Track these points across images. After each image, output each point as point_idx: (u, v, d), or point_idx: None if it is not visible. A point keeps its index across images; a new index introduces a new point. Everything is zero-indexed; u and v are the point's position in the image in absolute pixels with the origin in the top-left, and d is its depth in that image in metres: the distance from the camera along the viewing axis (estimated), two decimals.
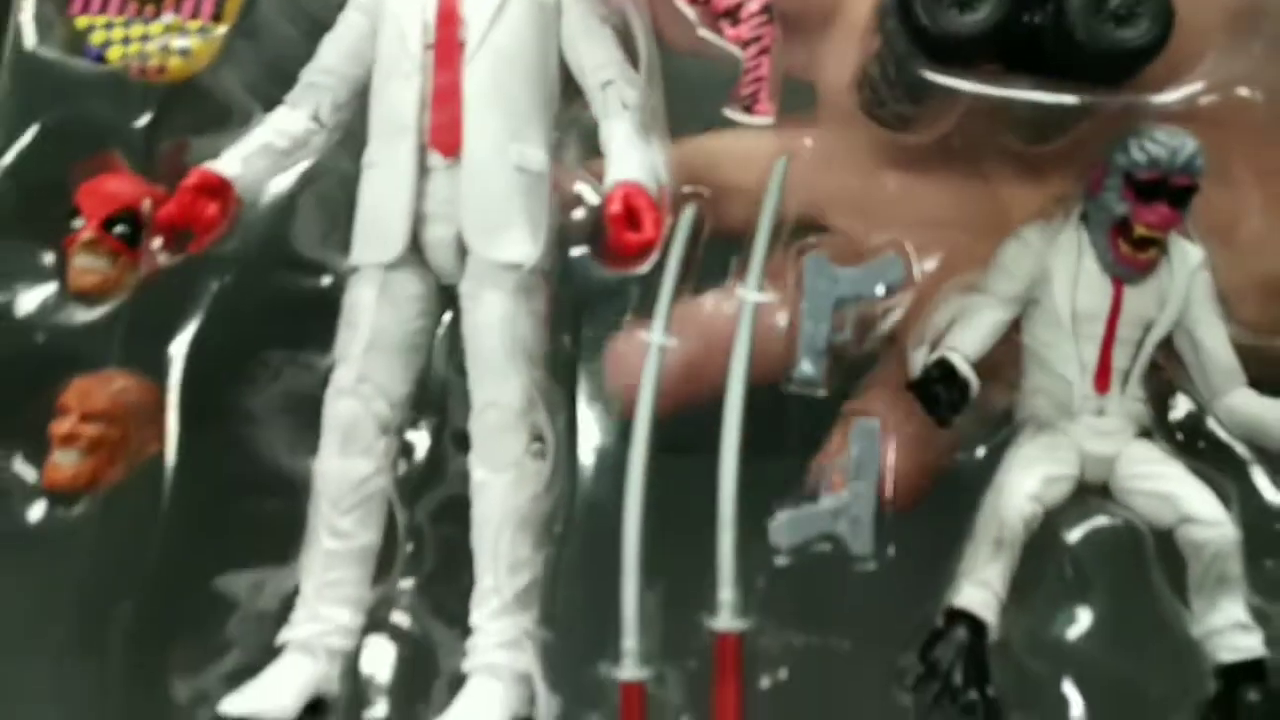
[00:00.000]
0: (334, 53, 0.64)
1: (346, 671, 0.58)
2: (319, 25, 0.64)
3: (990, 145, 0.59)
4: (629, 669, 0.52)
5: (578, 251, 0.59)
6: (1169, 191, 0.54)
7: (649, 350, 0.55)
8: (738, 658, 0.51)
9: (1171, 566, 0.54)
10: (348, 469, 0.60)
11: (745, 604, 0.52)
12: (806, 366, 0.52)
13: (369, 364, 0.60)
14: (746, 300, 0.53)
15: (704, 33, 0.58)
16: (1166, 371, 0.57)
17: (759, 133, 0.60)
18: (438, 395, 0.61)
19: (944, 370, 0.53)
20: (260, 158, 0.62)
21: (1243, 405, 0.56)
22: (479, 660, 0.57)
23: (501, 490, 0.58)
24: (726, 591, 0.52)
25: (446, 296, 0.62)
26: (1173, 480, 0.55)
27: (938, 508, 0.53)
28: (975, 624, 0.53)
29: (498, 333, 0.59)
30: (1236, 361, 0.56)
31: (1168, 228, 0.55)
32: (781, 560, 0.51)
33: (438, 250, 0.61)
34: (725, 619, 0.52)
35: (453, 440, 0.60)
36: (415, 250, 0.61)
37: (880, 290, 0.53)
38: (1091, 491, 0.56)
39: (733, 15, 0.57)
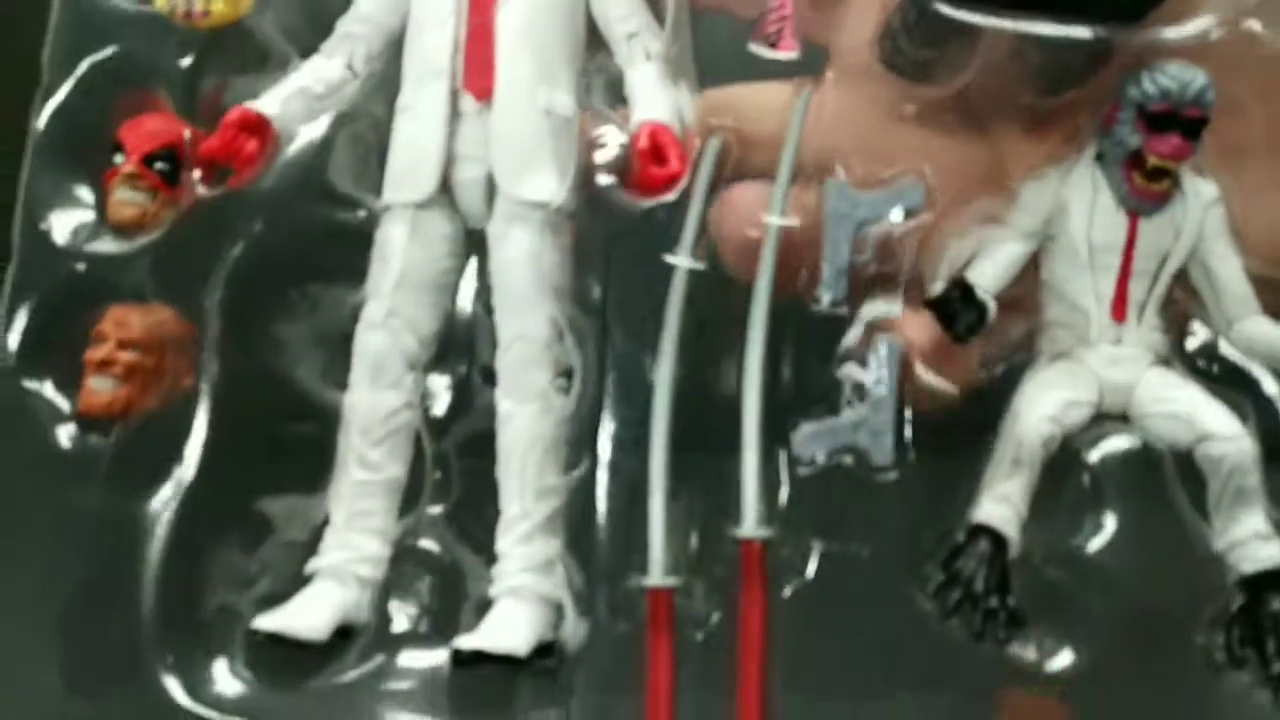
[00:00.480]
0: (371, 2, 0.66)
1: (375, 600, 0.59)
2: None
3: (1003, 102, 0.61)
4: (656, 576, 0.53)
5: (606, 183, 0.60)
6: (1180, 123, 0.56)
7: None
8: (762, 564, 0.52)
9: (1193, 487, 0.55)
10: (377, 401, 0.61)
11: (770, 514, 0.53)
12: (829, 286, 0.54)
13: (398, 299, 0.61)
14: (771, 225, 0.55)
15: None
16: (1183, 303, 0.59)
17: (778, 86, 0.63)
18: (464, 334, 0.62)
19: (963, 290, 0.55)
20: (297, 100, 0.64)
21: (1257, 331, 0.57)
22: (505, 584, 0.58)
23: (527, 420, 0.60)
24: (751, 501, 0.53)
25: (473, 241, 0.64)
26: (1189, 401, 0.56)
27: (958, 421, 0.54)
28: (996, 537, 0.54)
29: (525, 268, 0.61)
30: (1250, 290, 0.58)
31: (1179, 158, 0.56)
32: (804, 470, 0.53)
33: (468, 190, 0.62)
34: (749, 527, 0.53)
35: (481, 374, 0.62)
36: (445, 191, 0.62)
37: (899, 213, 0.55)
38: (1111, 418, 0.57)
39: None
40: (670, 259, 0.58)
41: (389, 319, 0.62)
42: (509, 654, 0.55)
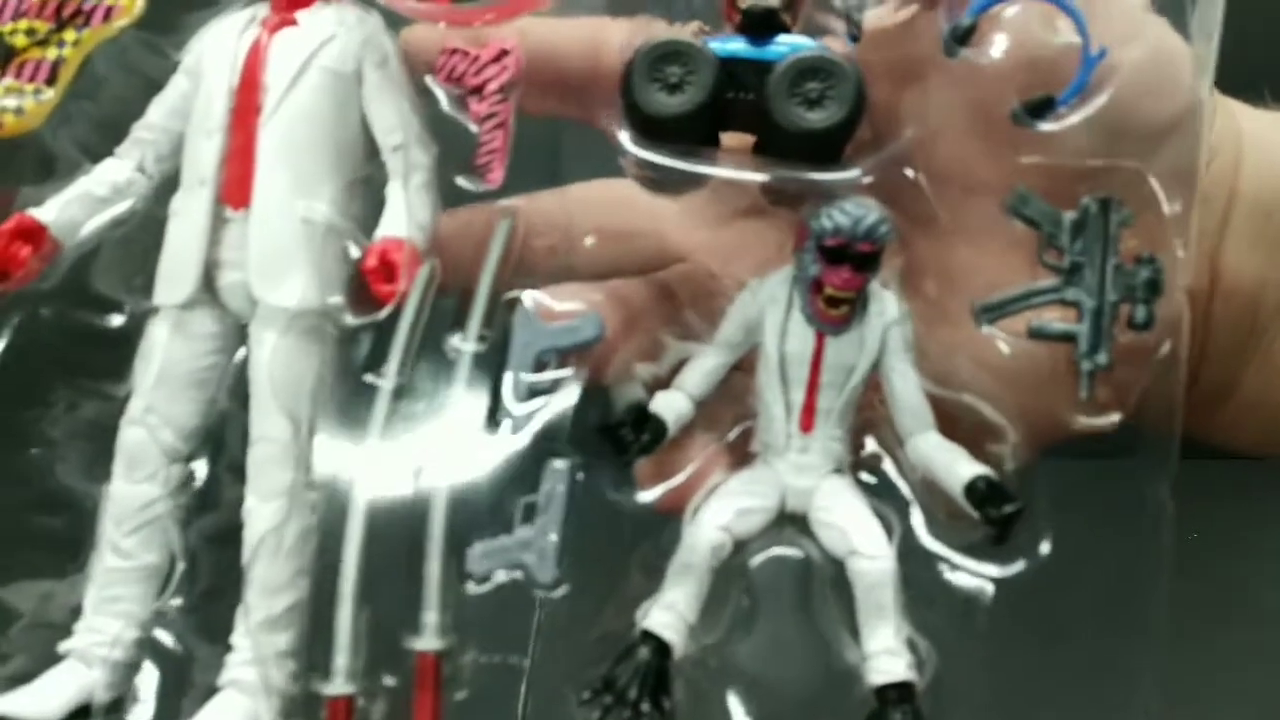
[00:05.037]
0: (159, 110, 0.70)
1: (121, 681, 0.64)
2: (154, 86, 0.71)
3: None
4: (338, 684, 0.58)
5: None
6: (852, 257, 0.60)
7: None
8: (437, 675, 0.57)
9: (848, 597, 0.58)
10: (132, 493, 0.66)
11: (447, 625, 0.57)
12: (511, 408, 0.58)
13: (157, 396, 0.66)
14: (463, 350, 0.59)
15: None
16: (865, 411, 0.62)
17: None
18: (217, 427, 0.67)
19: (635, 414, 0.58)
20: (77, 205, 0.69)
21: (923, 447, 0.61)
22: (228, 675, 0.63)
23: (267, 517, 0.64)
24: (430, 614, 0.57)
25: (243, 335, 0.68)
26: (845, 514, 0.60)
27: (617, 542, 0.58)
28: (659, 643, 0.58)
29: (273, 370, 0.65)
30: (925, 406, 0.61)
31: (852, 290, 0.60)
32: (477, 587, 0.57)
33: (231, 294, 0.67)
34: (426, 639, 0.57)
35: (229, 470, 0.67)
36: (212, 293, 0.67)
37: (577, 342, 0.58)
38: (793, 521, 0.61)
39: (478, 92, 0.63)
40: (455, 344, 0.61)
41: (147, 415, 0.66)
42: None
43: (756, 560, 0.59)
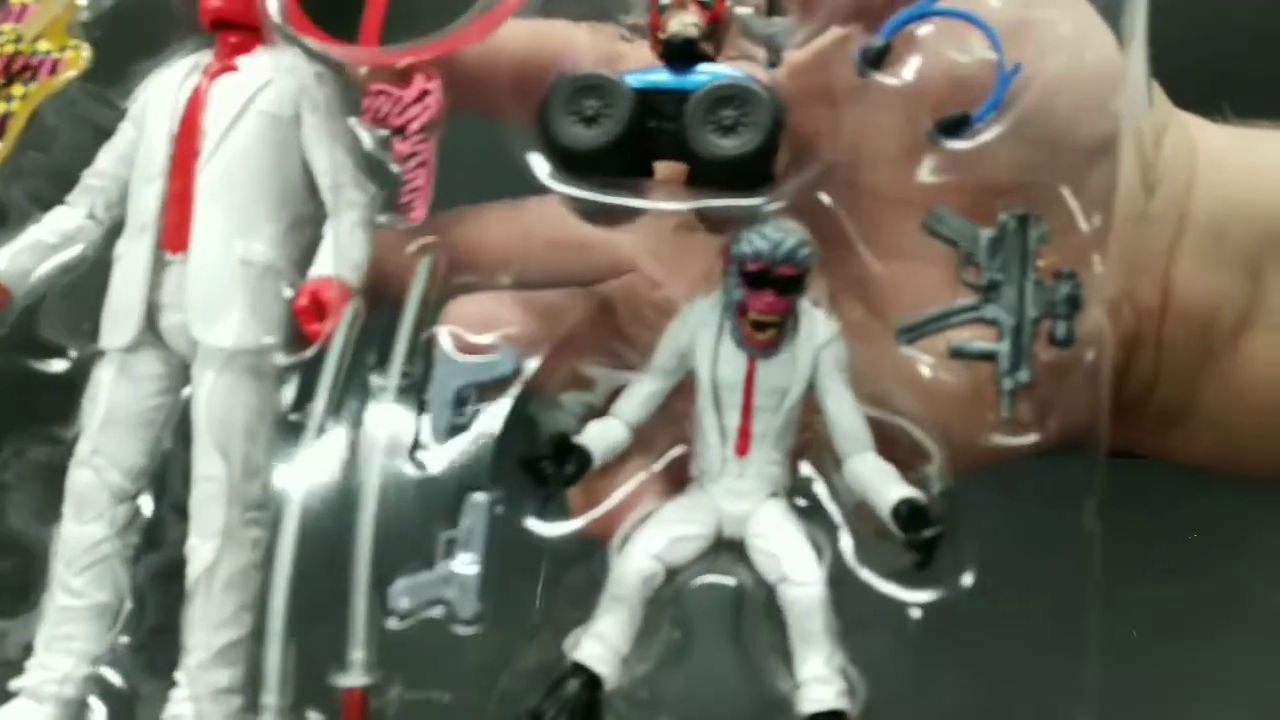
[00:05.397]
0: (107, 158, 0.72)
1: (71, 717, 0.65)
2: (104, 135, 0.73)
3: None
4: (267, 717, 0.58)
5: None
6: (774, 280, 0.60)
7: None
8: (363, 711, 0.57)
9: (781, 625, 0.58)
10: (81, 533, 0.67)
11: (373, 661, 0.58)
12: (432, 444, 0.58)
13: (103, 438, 0.67)
14: (385, 388, 0.59)
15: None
16: (807, 434, 0.62)
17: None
18: (160, 466, 0.68)
19: (557, 446, 0.59)
20: (27, 254, 0.70)
21: (857, 469, 0.61)
22: (170, 711, 0.63)
23: (208, 555, 0.65)
24: (355, 650, 0.58)
25: (188, 376, 0.69)
26: (778, 540, 0.60)
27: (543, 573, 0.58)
28: (588, 675, 0.58)
29: (211, 410, 0.66)
30: (861, 427, 0.61)
31: (775, 313, 0.60)
32: (399, 622, 0.57)
33: (174, 335, 0.68)
34: (352, 676, 0.58)
35: (174, 510, 0.68)
36: (155, 335, 0.68)
37: (495, 377, 0.59)
38: (730, 548, 0.61)
39: (401, 132, 0.63)
40: (377, 382, 0.62)
41: (93, 456, 0.67)
42: None
43: (689, 588, 0.59)
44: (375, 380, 0.59)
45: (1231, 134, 0.71)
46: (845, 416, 0.61)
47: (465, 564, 0.56)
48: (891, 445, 0.61)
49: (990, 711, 0.59)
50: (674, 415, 0.63)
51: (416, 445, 0.58)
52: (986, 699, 0.59)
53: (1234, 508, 0.85)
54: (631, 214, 0.64)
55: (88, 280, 0.70)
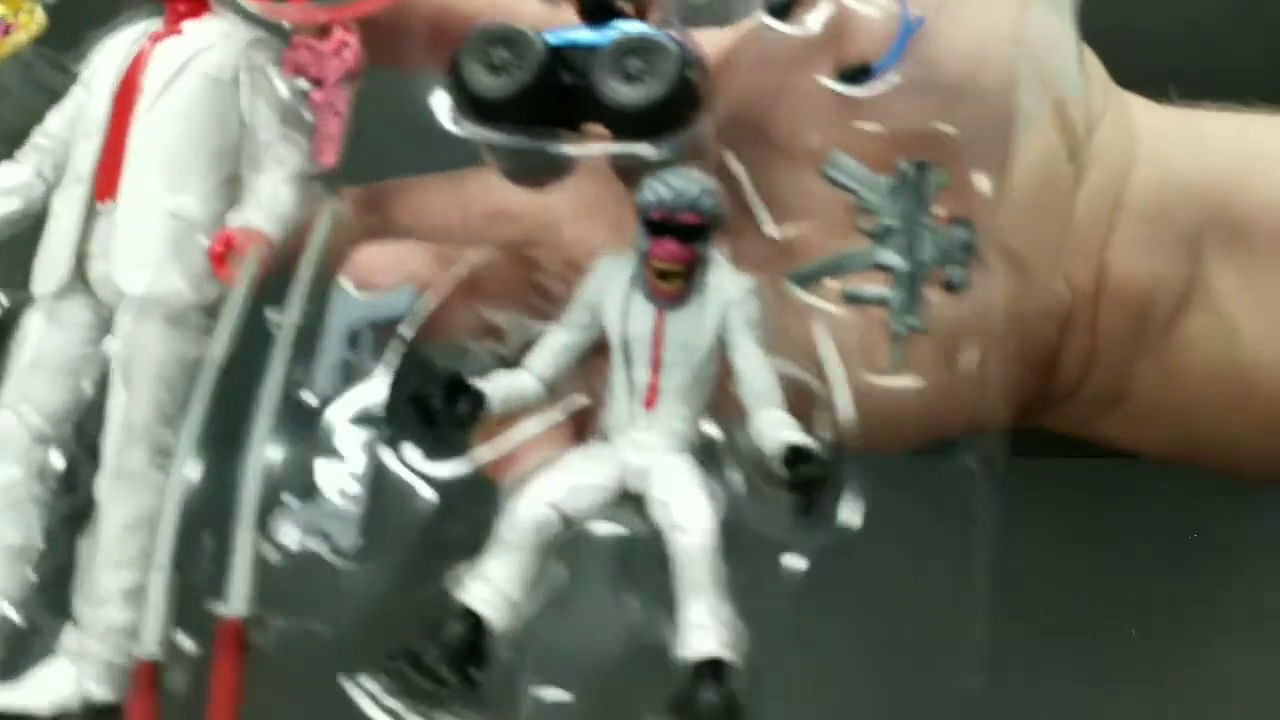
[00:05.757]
0: (57, 120, 0.74)
1: None
2: (59, 100, 0.75)
3: None
4: (149, 645, 0.58)
5: None
6: (676, 228, 0.59)
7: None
8: (240, 642, 0.57)
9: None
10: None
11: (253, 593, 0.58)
12: (322, 381, 0.58)
13: (27, 382, 0.69)
14: (283, 325, 0.60)
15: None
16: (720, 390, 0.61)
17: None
18: (82, 414, 0.68)
19: (448, 384, 0.58)
20: None
21: (759, 424, 0.59)
22: (67, 644, 0.63)
23: (116, 495, 0.65)
24: (238, 580, 0.57)
25: None
26: (670, 489, 0.59)
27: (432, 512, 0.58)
28: (474, 618, 0.56)
29: (130, 355, 0.67)
30: (770, 383, 0.60)
31: (677, 261, 0.59)
32: (281, 554, 0.57)
33: (101, 285, 0.69)
34: (232, 605, 0.57)
35: (85, 452, 0.68)
36: (85, 284, 0.70)
37: (389, 315, 0.59)
38: (633, 501, 0.60)
39: (319, 83, 0.65)
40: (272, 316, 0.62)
41: (17, 401, 0.69)
42: (26, 711, 0.60)
43: (581, 536, 0.58)
44: (272, 316, 0.60)
45: (1176, 114, 0.70)
46: (752, 372, 0.60)
47: (348, 498, 0.56)
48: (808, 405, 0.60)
49: (878, 669, 0.57)
50: (586, 369, 0.63)
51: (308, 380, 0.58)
52: (876, 656, 0.58)
53: (1234, 508, 0.83)
54: (557, 173, 0.64)
55: (28, 235, 0.72)
